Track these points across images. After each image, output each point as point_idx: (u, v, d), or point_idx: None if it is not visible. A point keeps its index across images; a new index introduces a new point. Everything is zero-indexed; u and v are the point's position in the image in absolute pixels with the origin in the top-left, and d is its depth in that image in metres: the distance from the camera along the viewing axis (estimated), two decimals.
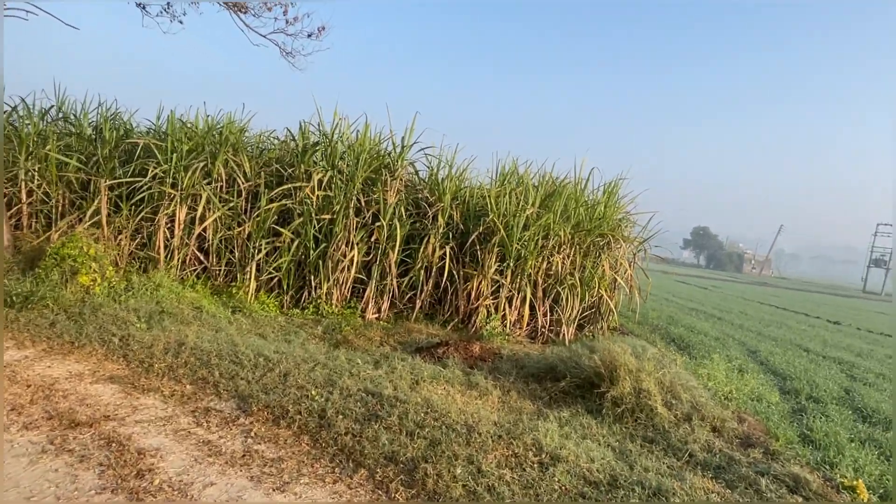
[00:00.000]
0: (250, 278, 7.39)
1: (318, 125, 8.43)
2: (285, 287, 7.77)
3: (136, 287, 6.16)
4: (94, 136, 8.42)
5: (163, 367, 4.20)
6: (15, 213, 8.10)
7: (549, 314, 7.79)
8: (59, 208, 8.20)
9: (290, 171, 8.05)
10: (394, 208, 7.73)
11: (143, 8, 8.49)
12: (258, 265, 7.62)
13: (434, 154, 8.62)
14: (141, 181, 7.52)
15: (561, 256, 7.78)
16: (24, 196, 8.11)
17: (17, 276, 5.87)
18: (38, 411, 3.20)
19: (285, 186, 7.59)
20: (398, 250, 7.67)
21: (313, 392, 3.94)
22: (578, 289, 7.67)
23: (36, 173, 8.05)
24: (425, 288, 7.92)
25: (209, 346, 4.65)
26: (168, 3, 8.27)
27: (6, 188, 8.01)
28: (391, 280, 7.69)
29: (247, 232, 7.74)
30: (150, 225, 7.77)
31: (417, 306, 7.82)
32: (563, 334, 7.51)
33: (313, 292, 7.76)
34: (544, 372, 5.26)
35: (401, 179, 8.09)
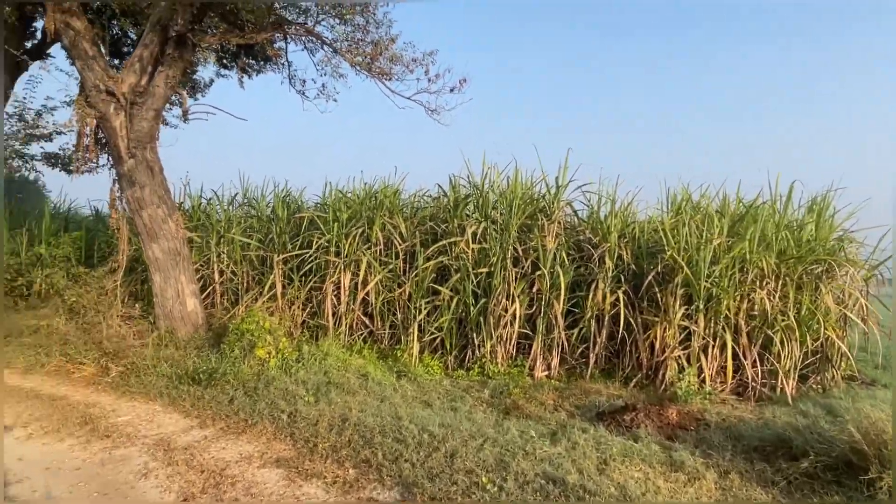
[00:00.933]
0: (413, 340, 7.83)
1: (468, 177, 8.89)
2: (448, 347, 8.07)
3: (306, 357, 6.81)
4: (270, 217, 9.96)
5: (326, 447, 4.26)
6: (210, 292, 9.82)
7: (758, 364, 6.86)
8: (244, 285, 9.71)
9: (443, 227, 8.48)
10: (554, 254, 7.66)
11: (303, 94, 10.01)
12: (420, 326, 8.08)
13: (593, 190, 8.49)
14: (308, 252, 8.65)
15: (765, 292, 6.91)
16: (216, 276, 9.80)
17: (207, 353, 6.87)
18: (208, 501, 3.47)
19: (440, 243, 8.00)
20: (563, 299, 7.49)
21: (484, 479, 3.70)
22: (796, 331, 6.68)
23: (224, 255, 9.72)
24: (598, 340, 7.55)
25: (372, 421, 4.67)
26: (322, 85, 9.63)
27: (202, 270, 9.76)
28: (559, 333, 7.50)
29: (407, 293, 8.31)
30: (319, 293, 8.81)
31: (591, 361, 7.46)
32: (782, 389, 6.53)
33: (476, 351, 7.91)
34: (772, 445, 4.41)
35: (559, 222, 8.03)
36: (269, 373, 6.05)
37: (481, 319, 7.52)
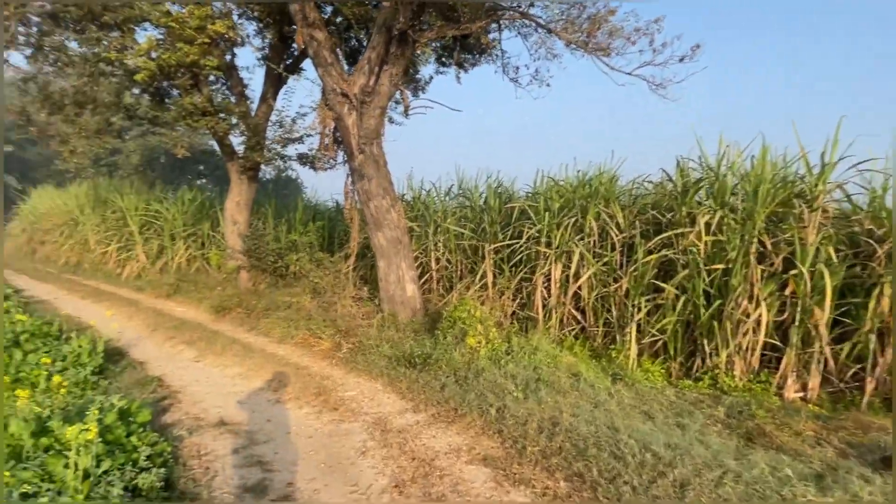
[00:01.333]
0: (631, 341, 7.30)
1: (700, 158, 7.91)
2: (672, 352, 7.34)
3: (515, 350, 6.85)
4: (482, 207, 10.34)
5: (536, 451, 4.08)
6: (427, 278, 10.60)
7: None
8: (459, 273, 10.26)
9: (668, 216, 7.73)
10: (816, 249, 6.37)
11: (516, 81, 10.07)
12: (639, 326, 7.51)
13: (876, 169, 6.79)
14: (518, 243, 8.71)
15: None
16: (433, 264, 10.55)
17: (423, 337, 7.25)
18: (417, 492, 3.58)
19: (664, 235, 7.31)
20: (829, 306, 6.15)
21: None
22: None
23: (441, 244, 10.39)
24: (880, 359, 6.09)
25: (586, 429, 4.35)
26: (536, 71, 9.53)
27: (421, 257, 10.59)
28: (820, 347, 6.16)
29: (624, 288, 7.79)
30: (529, 285, 8.82)
31: (869, 388, 6.03)
32: None
33: (707, 360, 7.04)
34: None
35: (823, 210, 6.65)
36: (479, 363, 6.21)
37: (714, 324, 6.63)
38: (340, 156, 8.58)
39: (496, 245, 8.60)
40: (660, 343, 7.24)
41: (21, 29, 10.75)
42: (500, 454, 4.15)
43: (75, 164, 31.08)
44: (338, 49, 8.18)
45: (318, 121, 7.64)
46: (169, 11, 8.51)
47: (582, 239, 7.97)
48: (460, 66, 11.07)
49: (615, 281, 7.68)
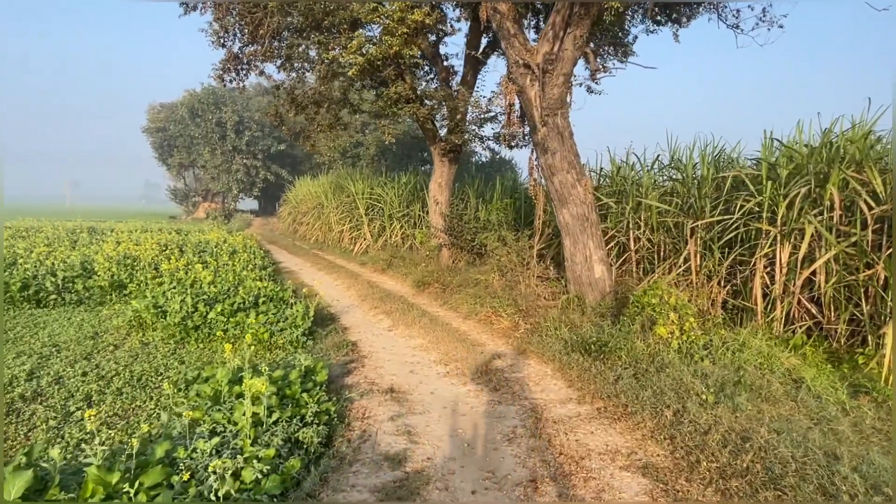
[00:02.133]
0: (890, 344, 5.58)
1: None
2: None
3: (715, 344, 5.80)
4: (694, 178, 9.01)
5: (713, 467, 3.37)
6: (625, 259, 9.71)
7: None
8: (661, 254, 9.17)
9: None
10: None
11: (737, 27, 8.47)
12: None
13: None
14: (729, 218, 7.32)
15: None
16: (632, 244, 9.61)
17: (608, 322, 6.58)
18: (553, 492, 3.19)
19: None
20: None
21: None
22: None
23: (641, 221, 9.38)
24: None
25: (789, 451, 3.42)
26: (763, 10, 7.86)
27: (619, 236, 9.73)
28: None
29: (881, 276, 6.00)
30: (745, 269, 7.40)
31: None
32: None
33: None
34: None
35: None
36: (667, 356, 5.41)
37: None
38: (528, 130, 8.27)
39: (702, 221, 7.38)
40: None
41: (274, 43, 12.81)
42: (666, 464, 3.50)
43: (328, 157, 36.22)
44: (523, 20, 7.83)
45: (501, 94, 7.44)
46: (376, 8, 9.17)
47: (820, 213, 6.36)
48: (676, 21, 9.76)
49: (868, 267, 5.97)
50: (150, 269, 10.32)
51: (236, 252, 14.28)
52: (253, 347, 6.51)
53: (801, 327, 6.53)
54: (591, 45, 8.66)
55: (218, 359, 6.01)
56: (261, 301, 7.98)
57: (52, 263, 10.08)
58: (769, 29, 7.77)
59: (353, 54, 9.39)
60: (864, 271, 5.93)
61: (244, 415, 3.73)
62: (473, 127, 11.02)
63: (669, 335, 5.89)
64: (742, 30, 8.04)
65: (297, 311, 7.23)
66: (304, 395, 4.27)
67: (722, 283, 7.32)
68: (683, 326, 5.91)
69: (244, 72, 13.39)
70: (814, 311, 6.54)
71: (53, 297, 8.85)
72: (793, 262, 6.58)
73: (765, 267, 6.85)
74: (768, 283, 6.81)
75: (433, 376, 5.45)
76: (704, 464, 3.44)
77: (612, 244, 9.12)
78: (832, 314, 6.30)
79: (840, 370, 5.66)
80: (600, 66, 8.02)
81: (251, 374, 4.29)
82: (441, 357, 6.05)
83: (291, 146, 41.60)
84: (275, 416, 3.87)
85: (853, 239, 6.00)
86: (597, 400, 4.65)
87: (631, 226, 9.04)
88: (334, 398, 4.59)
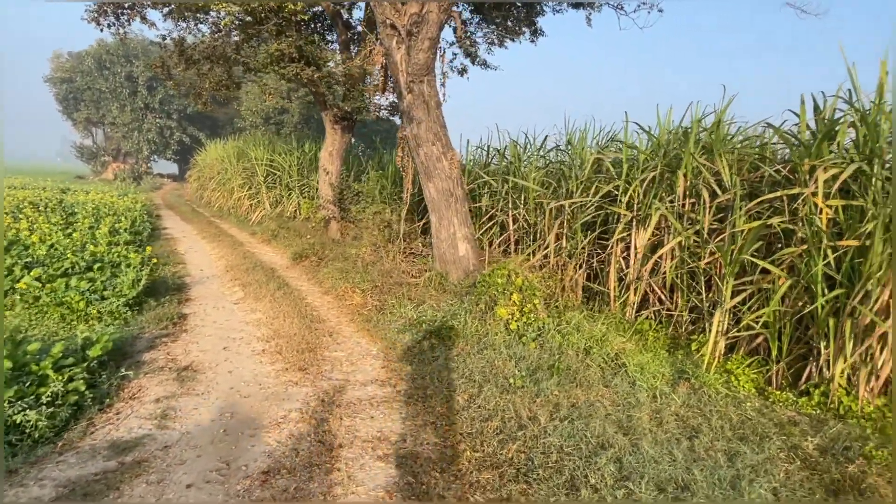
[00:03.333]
0: (714, 332, 5.62)
1: (848, 94, 5.67)
2: (775, 353, 5.53)
3: (548, 327, 5.65)
4: (574, 160, 8.89)
5: (475, 457, 3.15)
6: (504, 239, 9.55)
7: None
8: (537, 235, 9.04)
9: (783, 174, 5.77)
10: None
11: (620, 7, 8.33)
12: (735, 314, 5.78)
13: None
14: (588, 201, 7.21)
15: None
16: (511, 223, 9.44)
17: (459, 301, 6.25)
18: (279, 485, 2.83)
19: (771, 195, 5.41)
20: None
21: None
22: None
23: (521, 202, 9.21)
24: None
25: (558, 441, 3.25)
26: None
27: (499, 215, 9.53)
28: None
29: (720, 264, 6.05)
30: (603, 254, 7.35)
31: None
32: None
33: (823, 369, 5.16)
34: None
35: None
36: (495, 337, 5.20)
37: (831, 322, 4.76)
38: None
39: (558, 203, 7.24)
40: (761, 339, 5.52)
41: None
42: (430, 454, 3.22)
43: (250, 121, 34.32)
44: None
45: (368, 57, 6.93)
46: None
47: (672, 201, 6.33)
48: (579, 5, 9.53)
49: (712, 254, 5.99)
50: None
51: (116, 215, 13.13)
52: (60, 316, 5.81)
53: (653, 313, 6.54)
54: (459, 8, 8.27)
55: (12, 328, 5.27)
56: (96, 267, 7.19)
57: None
58: (649, 12, 7.66)
59: (225, 3, 8.57)
60: (704, 259, 5.95)
61: None
62: (369, 95, 10.43)
63: (509, 316, 5.69)
64: (625, 11, 7.89)
65: (126, 279, 6.53)
66: (53, 372, 3.70)
67: (582, 267, 7.24)
68: (524, 308, 5.72)
69: (125, 17, 12.15)
70: (666, 297, 6.56)
71: None
72: (650, 248, 6.56)
73: (622, 252, 6.81)
74: (623, 267, 6.78)
75: (246, 354, 4.98)
76: (468, 453, 3.19)
77: (492, 223, 8.91)
78: (681, 301, 6.32)
79: (675, 356, 5.67)
80: (469, 37, 7.64)
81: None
82: (269, 334, 5.59)
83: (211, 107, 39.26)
84: (10, 393, 3.30)
85: (698, 227, 5.99)
86: (401, 382, 4.35)
87: (510, 205, 8.85)
88: (103, 376, 4.04)
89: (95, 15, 11.82)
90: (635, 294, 6.57)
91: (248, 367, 4.62)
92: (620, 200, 6.75)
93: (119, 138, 39.08)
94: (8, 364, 3.50)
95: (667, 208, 6.18)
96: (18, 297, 6.07)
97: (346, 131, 11.31)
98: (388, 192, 9.38)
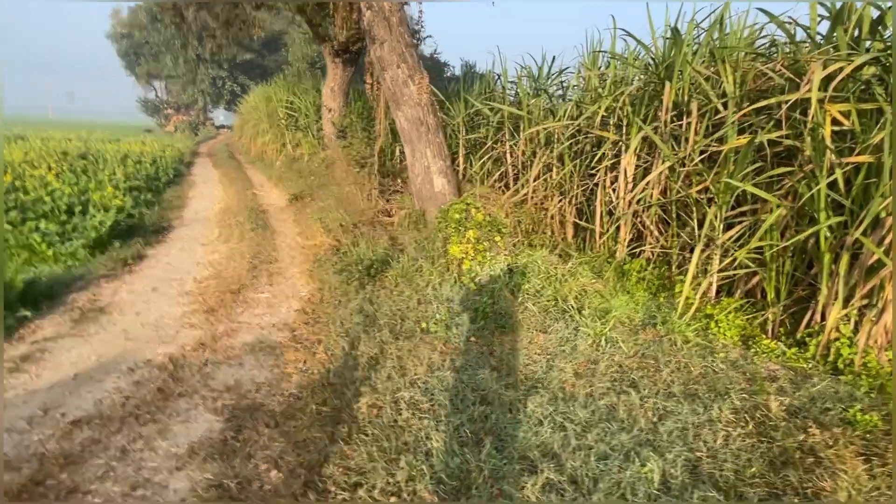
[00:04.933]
0: (691, 270, 4.75)
1: None
2: (771, 297, 4.64)
3: (499, 267, 5.00)
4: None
5: (324, 411, 2.76)
6: (502, 174, 8.76)
7: None
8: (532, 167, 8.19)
9: (788, 74, 4.64)
10: None
11: None
12: (725, 250, 4.88)
13: None
14: (570, 123, 6.30)
15: None
16: (508, 157, 8.62)
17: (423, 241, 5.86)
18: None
19: (764, 102, 4.35)
20: None
21: None
22: None
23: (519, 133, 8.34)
24: None
25: (432, 398, 2.81)
26: None
27: (497, 148, 8.70)
28: None
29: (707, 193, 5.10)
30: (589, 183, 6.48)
31: None
32: None
33: (824, 315, 4.26)
34: None
35: None
36: (431, 277, 4.65)
37: (826, 259, 3.85)
38: None
39: (540, 128, 6.41)
40: (758, 281, 4.68)
41: None
42: (275, 408, 2.81)
43: (296, 67, 34.07)
44: None
45: None
46: None
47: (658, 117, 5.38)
48: None
49: (702, 180, 5.08)
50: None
51: (141, 163, 13.36)
52: (22, 257, 5.83)
53: (651, 252, 5.73)
54: None
55: None
56: (77, 210, 7.21)
57: None
58: None
59: None
60: (695, 186, 5.04)
61: None
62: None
63: (463, 255, 5.11)
64: None
65: (92, 223, 6.46)
66: None
67: (571, 202, 6.44)
68: (478, 247, 5.11)
69: None
70: (659, 233, 5.73)
71: None
72: (639, 176, 5.70)
73: (611, 182, 5.96)
74: (613, 199, 5.95)
75: (170, 295, 4.75)
76: (314, 407, 2.74)
77: (487, 157, 8.15)
78: (672, 236, 5.48)
79: (657, 300, 4.94)
80: None
81: None
82: (209, 275, 5.33)
83: (261, 55, 39.39)
84: None
85: (688, 151, 5.05)
86: (303, 327, 3.95)
87: (507, 137, 8.03)
88: (7, 315, 3.90)
89: None
90: (625, 229, 5.77)
91: (160, 310, 4.38)
92: (607, 122, 5.85)
93: (178, 91, 40.21)
94: None
95: (655, 128, 5.25)
96: None
97: (348, 65, 10.69)
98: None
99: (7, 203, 7.12)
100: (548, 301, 4.38)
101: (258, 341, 3.69)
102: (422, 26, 9.80)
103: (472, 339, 3.66)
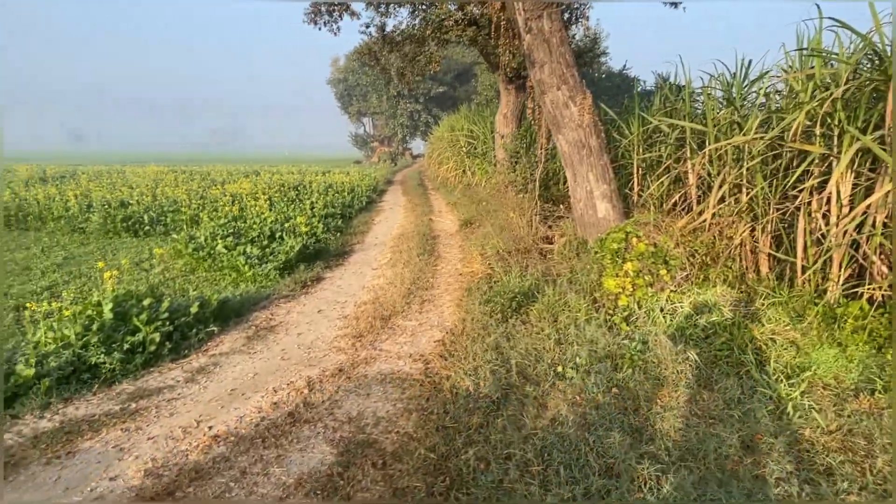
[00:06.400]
0: None
1: None
2: None
3: (654, 307, 4.27)
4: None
5: (430, 458, 2.57)
6: (682, 197, 7.74)
7: None
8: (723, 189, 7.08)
9: None
10: None
11: None
12: None
13: None
14: (765, 137, 5.23)
15: None
16: (691, 177, 7.60)
17: (577, 272, 5.43)
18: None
19: None
20: None
21: None
22: None
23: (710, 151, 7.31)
24: None
25: (556, 449, 2.46)
26: None
27: (676, 167, 7.74)
28: None
29: None
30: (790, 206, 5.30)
31: None
32: None
33: None
34: None
35: None
36: (578, 315, 4.20)
37: None
38: None
39: (726, 143, 5.52)
40: None
41: None
42: (386, 446, 2.73)
43: (484, 95, 35.50)
44: None
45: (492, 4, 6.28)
46: None
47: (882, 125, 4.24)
48: None
49: None
50: (229, 206, 11.42)
51: (340, 192, 15.04)
52: (231, 277, 6.85)
53: (865, 291, 4.56)
54: None
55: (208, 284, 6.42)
56: (277, 236, 8.31)
57: (152, 201, 11.87)
58: None
59: None
60: None
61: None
62: None
63: (619, 290, 4.58)
64: None
65: (284, 248, 7.35)
66: (143, 325, 4.30)
67: (766, 229, 5.42)
68: (636, 281, 4.53)
69: (336, 13, 13.62)
70: (885, 268, 4.52)
71: (147, 228, 10.38)
72: (858, 197, 4.58)
73: (818, 207, 4.88)
74: (823, 227, 4.85)
75: (331, 318, 5.11)
76: (422, 452, 2.60)
77: (665, 177, 7.36)
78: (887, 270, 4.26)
79: (882, 356, 3.88)
80: None
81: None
82: (368, 299, 5.62)
83: (453, 87, 41.94)
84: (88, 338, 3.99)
85: None
86: (437, 360, 3.85)
87: (688, 155, 7.16)
88: (199, 331, 4.58)
89: (313, 16, 13.49)
90: (839, 262, 4.66)
91: (318, 331, 4.72)
92: (811, 133, 4.80)
93: (381, 125, 44.86)
94: (109, 315, 4.22)
95: (879, 138, 4.15)
96: (209, 261, 7.35)
97: (520, 90, 10.69)
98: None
99: (227, 230, 8.51)
100: (718, 350, 3.68)
101: (391, 371, 3.73)
102: (599, 38, 9.33)
103: (614, 390, 3.21)
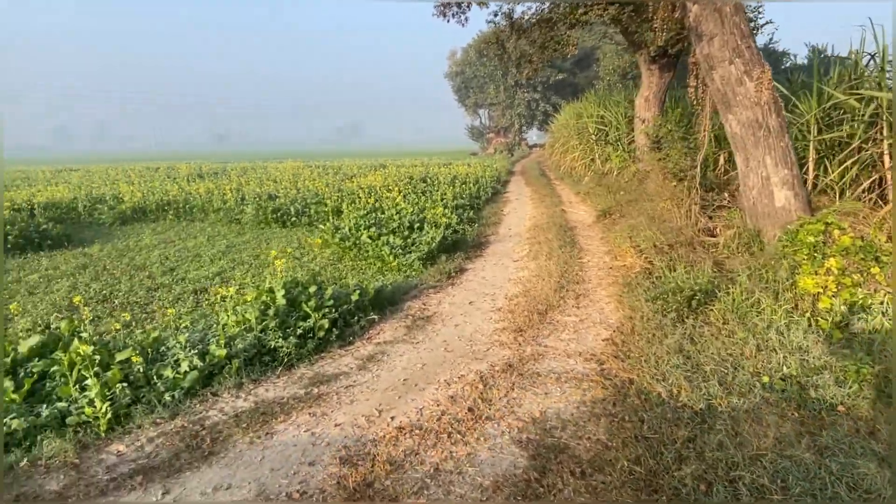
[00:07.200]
0: None
1: None
2: None
3: (866, 314, 3.55)
4: None
5: (636, 471, 2.27)
6: (872, 183, 6.59)
7: None
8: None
9: None
10: None
11: None
12: None
13: None
14: None
15: None
16: (886, 161, 6.44)
17: (760, 269, 4.78)
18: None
19: None
20: None
21: None
22: None
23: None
24: None
25: (793, 476, 2.04)
26: None
27: (866, 149, 6.60)
28: None
29: None
30: None
31: None
32: None
33: None
34: None
35: None
36: (773, 317, 3.67)
37: None
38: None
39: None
40: None
41: None
42: (578, 452, 2.52)
43: (607, 80, 34.28)
44: None
45: None
46: None
47: None
48: None
49: None
50: (366, 198, 11.84)
51: (466, 184, 15.09)
52: (376, 266, 7.04)
53: None
54: None
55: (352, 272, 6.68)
56: (416, 226, 8.43)
57: (296, 194, 12.66)
58: None
59: None
60: None
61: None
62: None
63: (819, 290, 3.96)
64: None
65: (425, 238, 7.40)
66: (313, 311, 4.47)
67: None
68: (842, 280, 3.89)
69: (465, 3, 13.59)
70: None
71: (294, 218, 11.10)
72: None
73: None
74: None
75: (484, 310, 5.02)
76: (622, 463, 2.36)
77: (850, 161, 6.37)
78: None
79: None
80: None
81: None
82: (518, 292, 5.45)
83: (573, 74, 40.58)
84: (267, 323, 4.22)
85: None
86: (611, 360, 3.55)
87: (881, 133, 6.12)
88: (361, 318, 4.69)
89: (442, 9, 13.56)
90: None
91: (475, 323, 4.63)
92: None
93: (498, 116, 44.66)
94: (282, 301, 4.45)
95: None
96: (354, 251, 7.62)
97: (665, 70, 9.89)
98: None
99: (369, 220, 8.79)
100: None
101: (564, 370, 3.52)
102: (760, 12, 8.35)
103: (841, 407, 2.73)
